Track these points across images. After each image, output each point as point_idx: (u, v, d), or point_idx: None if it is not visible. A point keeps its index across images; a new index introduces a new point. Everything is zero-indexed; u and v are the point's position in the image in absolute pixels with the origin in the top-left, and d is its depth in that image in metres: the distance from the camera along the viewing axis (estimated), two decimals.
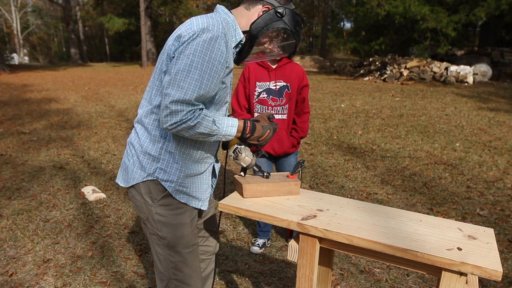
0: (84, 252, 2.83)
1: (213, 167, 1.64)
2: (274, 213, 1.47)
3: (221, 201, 1.58)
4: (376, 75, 13.84)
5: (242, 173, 1.66)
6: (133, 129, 1.55)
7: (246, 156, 1.56)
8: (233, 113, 2.62)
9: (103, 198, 3.80)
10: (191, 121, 1.31)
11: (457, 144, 5.60)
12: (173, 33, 1.41)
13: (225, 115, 1.57)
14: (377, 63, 14.54)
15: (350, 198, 3.51)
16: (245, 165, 1.59)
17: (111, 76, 16.50)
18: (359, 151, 5.32)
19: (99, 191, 3.88)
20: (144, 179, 1.47)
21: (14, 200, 3.73)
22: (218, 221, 1.78)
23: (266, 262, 2.72)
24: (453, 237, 1.34)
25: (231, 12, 1.48)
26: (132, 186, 1.51)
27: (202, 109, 1.34)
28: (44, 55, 44.58)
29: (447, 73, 12.68)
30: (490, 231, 1.40)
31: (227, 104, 1.55)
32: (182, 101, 1.28)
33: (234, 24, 1.45)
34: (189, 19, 1.40)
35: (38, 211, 3.50)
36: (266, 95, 2.57)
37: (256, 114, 2.56)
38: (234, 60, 1.52)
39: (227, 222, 3.33)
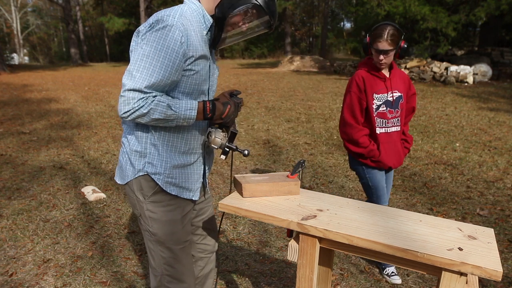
0: (84, 252, 2.83)
1: (204, 157, 1.65)
2: (274, 213, 1.47)
3: (221, 201, 1.58)
4: None
5: (223, 156, 1.58)
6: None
7: (216, 138, 1.53)
8: (355, 131, 2.37)
9: (103, 198, 3.80)
10: (144, 108, 1.33)
11: (457, 144, 5.60)
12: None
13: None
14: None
15: (350, 198, 3.50)
16: (216, 147, 1.55)
17: (111, 76, 16.50)
18: None
19: (99, 191, 3.88)
20: (136, 176, 1.51)
21: (14, 200, 3.73)
22: (220, 222, 1.80)
23: (266, 262, 2.72)
24: (453, 237, 1.34)
25: (199, 0, 1.48)
26: (126, 183, 1.55)
27: (155, 96, 1.36)
28: (44, 55, 44.57)
29: (447, 73, 12.67)
30: (490, 231, 1.40)
31: (205, 94, 1.54)
32: (133, 89, 1.32)
33: (202, 11, 1.46)
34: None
35: (38, 211, 3.50)
36: (385, 108, 2.36)
37: (378, 129, 2.38)
38: (210, 45, 1.51)
39: (227, 222, 3.33)
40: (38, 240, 3.00)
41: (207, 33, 1.48)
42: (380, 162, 2.40)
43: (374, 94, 2.33)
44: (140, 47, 1.35)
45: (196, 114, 1.43)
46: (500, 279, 1.22)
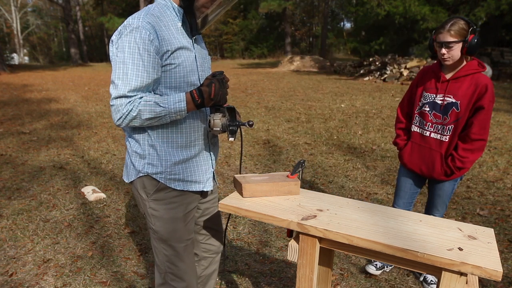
0: (84, 252, 2.83)
1: (209, 147, 1.65)
2: (274, 213, 1.47)
3: (221, 201, 1.58)
4: (376, 75, 13.84)
5: (231, 138, 1.55)
6: None
7: (215, 120, 1.51)
8: (396, 122, 2.45)
9: (103, 198, 3.80)
10: (133, 111, 1.38)
11: None
12: None
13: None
14: (377, 63, 14.54)
15: (350, 198, 3.50)
16: (218, 128, 1.52)
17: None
18: (359, 151, 5.32)
19: (99, 191, 3.88)
20: (138, 176, 1.54)
21: (14, 200, 3.73)
22: (226, 224, 1.81)
23: (266, 262, 2.72)
24: (453, 237, 1.34)
25: None
26: (131, 182, 1.59)
27: (141, 97, 1.39)
28: (44, 55, 44.54)
29: None
30: (490, 231, 1.40)
31: (196, 85, 1.53)
32: (119, 96, 1.37)
33: (171, 4, 1.49)
34: None
35: (38, 211, 3.50)
36: (428, 109, 2.19)
37: (413, 126, 2.29)
38: (191, 35, 1.52)
39: (223, 222, 3.32)
40: (38, 240, 3.00)
41: (182, 24, 1.50)
42: (401, 157, 2.37)
43: (424, 92, 2.22)
44: (116, 55, 1.40)
45: (186, 105, 1.43)
46: (500, 279, 1.22)
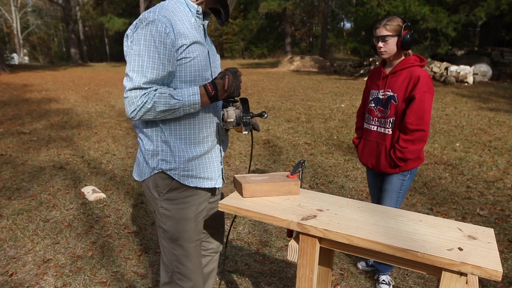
0: (84, 252, 2.83)
1: (220, 143, 1.66)
2: (274, 213, 1.47)
3: (221, 201, 1.58)
4: None
5: (245, 132, 1.53)
6: None
7: (228, 112, 1.51)
8: (356, 123, 2.53)
9: (103, 198, 3.80)
10: (148, 103, 1.37)
11: (457, 144, 5.60)
12: None
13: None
14: (377, 63, 14.53)
15: (350, 198, 3.50)
16: (233, 120, 1.51)
17: (111, 76, 16.50)
18: None
19: (99, 191, 3.88)
20: (152, 174, 1.54)
21: (14, 200, 3.73)
22: (230, 226, 1.81)
23: (266, 262, 2.72)
24: (453, 237, 1.34)
25: None
26: (143, 180, 1.58)
27: (156, 89, 1.39)
28: (44, 55, 44.51)
29: (447, 73, 12.67)
30: (490, 231, 1.40)
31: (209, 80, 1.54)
32: (133, 88, 1.37)
33: (184, 1, 1.50)
34: None
35: (38, 211, 3.50)
36: (374, 105, 2.30)
37: (364, 124, 2.41)
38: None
39: (227, 222, 3.33)
40: (38, 240, 3.00)
41: (195, 20, 1.51)
42: (358, 155, 2.47)
43: (371, 90, 2.34)
44: (131, 48, 1.40)
45: (200, 97, 1.44)
46: (500, 279, 1.22)
